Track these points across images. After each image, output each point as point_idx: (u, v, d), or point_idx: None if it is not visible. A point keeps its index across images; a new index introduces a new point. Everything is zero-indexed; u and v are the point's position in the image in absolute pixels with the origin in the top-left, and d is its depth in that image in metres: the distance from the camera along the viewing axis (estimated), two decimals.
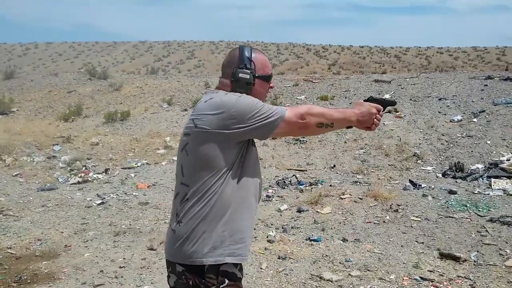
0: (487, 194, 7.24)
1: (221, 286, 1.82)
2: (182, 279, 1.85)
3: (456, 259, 4.62)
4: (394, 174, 8.73)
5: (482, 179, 8.26)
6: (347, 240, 5.23)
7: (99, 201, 6.85)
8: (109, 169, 9.10)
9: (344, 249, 4.95)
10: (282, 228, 5.66)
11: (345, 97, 13.69)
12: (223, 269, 1.84)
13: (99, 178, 8.55)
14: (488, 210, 6.22)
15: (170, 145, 10.82)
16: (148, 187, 7.85)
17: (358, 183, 8.05)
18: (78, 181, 8.31)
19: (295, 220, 6.00)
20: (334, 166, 9.44)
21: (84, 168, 9.15)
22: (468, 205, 6.39)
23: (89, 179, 8.45)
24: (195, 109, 1.91)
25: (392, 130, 10.77)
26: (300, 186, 7.58)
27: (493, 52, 49.81)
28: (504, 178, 8.15)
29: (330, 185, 7.72)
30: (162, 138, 11.43)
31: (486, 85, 13.00)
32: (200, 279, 1.82)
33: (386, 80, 15.32)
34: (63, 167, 9.33)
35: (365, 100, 2.07)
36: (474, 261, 4.58)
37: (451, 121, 10.94)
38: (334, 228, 5.68)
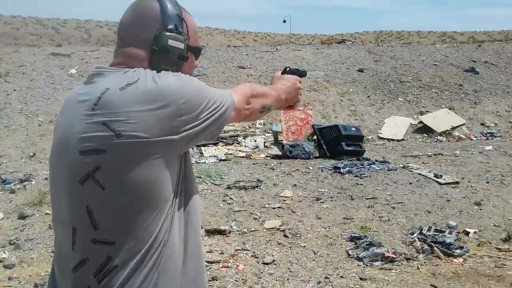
0: (204, 162, 7.64)
1: None
2: None
3: (222, 232, 4.60)
4: None
5: (192, 149, 8.65)
6: None
7: None
8: None
9: None
10: (11, 243, 4.36)
11: (23, 73, 11.81)
12: None
13: None
14: (221, 178, 6.53)
15: None
16: None
17: None
18: None
19: (22, 231, 4.72)
20: (34, 154, 8.06)
21: None
22: (202, 177, 6.52)
23: None
24: (103, 105, 1.04)
25: None
26: (8, 185, 6.05)
27: None
28: (211, 145, 8.79)
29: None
30: None
31: None
32: None
33: (65, 54, 14.05)
34: None
35: (282, 73, 1.61)
36: (238, 231, 4.67)
37: None
38: None
